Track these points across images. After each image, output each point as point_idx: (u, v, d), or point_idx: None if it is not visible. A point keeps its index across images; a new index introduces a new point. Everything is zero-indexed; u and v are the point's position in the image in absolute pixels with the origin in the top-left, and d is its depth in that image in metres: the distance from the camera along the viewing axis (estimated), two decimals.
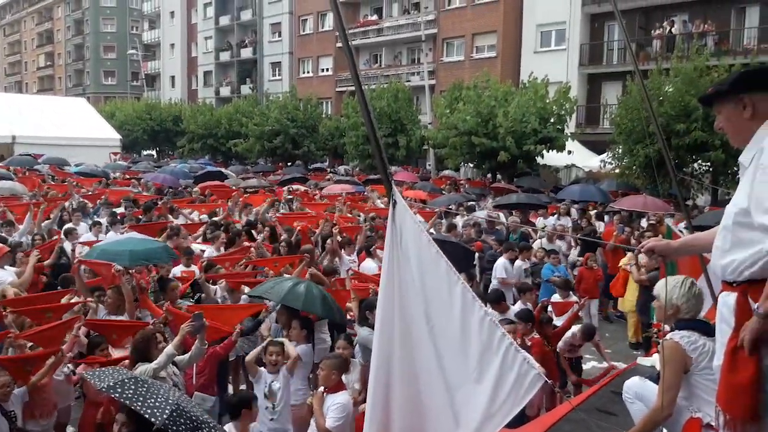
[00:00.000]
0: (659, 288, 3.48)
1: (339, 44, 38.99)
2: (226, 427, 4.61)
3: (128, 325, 6.32)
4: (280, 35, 46.35)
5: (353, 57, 3.73)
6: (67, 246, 9.97)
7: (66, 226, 11.23)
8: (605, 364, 7.57)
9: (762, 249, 2.32)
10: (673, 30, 25.97)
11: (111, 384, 3.52)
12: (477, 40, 33.04)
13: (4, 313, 6.22)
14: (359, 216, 13.59)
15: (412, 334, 3.41)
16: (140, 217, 12.46)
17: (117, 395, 3.47)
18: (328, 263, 9.18)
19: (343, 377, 5.54)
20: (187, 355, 5.49)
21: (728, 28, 24.86)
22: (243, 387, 7.03)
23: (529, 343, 6.40)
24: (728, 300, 2.55)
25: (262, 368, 5.54)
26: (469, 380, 3.30)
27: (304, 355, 6.05)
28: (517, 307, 7.64)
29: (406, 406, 3.46)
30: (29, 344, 5.66)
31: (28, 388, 5.23)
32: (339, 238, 9.84)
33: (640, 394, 3.40)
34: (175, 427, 3.33)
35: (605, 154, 20.55)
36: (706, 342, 3.08)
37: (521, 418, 4.84)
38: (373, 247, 9.78)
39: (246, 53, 49.80)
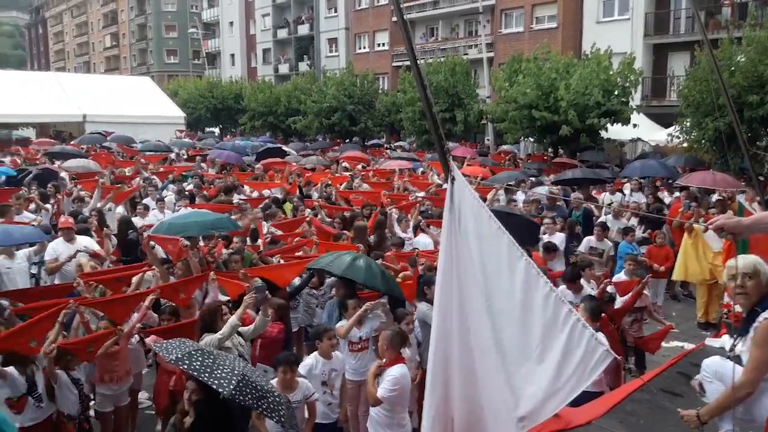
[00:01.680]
0: (731, 267, 3.36)
1: (395, 18, 38.63)
2: (310, 357, 4.80)
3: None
4: (336, 11, 46.27)
5: (409, 32, 3.72)
6: (138, 222, 10.36)
7: (141, 203, 11.71)
8: (671, 344, 7.41)
9: None
10: None
11: (179, 356, 3.66)
12: (537, 10, 32.11)
13: (75, 283, 6.54)
14: (416, 192, 13.56)
15: (471, 310, 3.42)
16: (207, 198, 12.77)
17: (185, 367, 3.61)
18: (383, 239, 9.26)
19: (406, 350, 5.62)
20: (251, 326, 5.67)
21: None
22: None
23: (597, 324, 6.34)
24: None
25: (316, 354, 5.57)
26: (532, 356, 3.29)
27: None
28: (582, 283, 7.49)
29: (465, 380, 3.48)
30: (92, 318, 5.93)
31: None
32: (395, 214, 9.91)
33: (721, 373, 3.32)
34: (241, 397, 3.46)
35: (672, 128, 19.75)
36: None
37: (585, 396, 4.80)
38: (423, 222, 9.76)
39: (303, 30, 50.01)
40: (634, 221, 11.37)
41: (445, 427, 3.53)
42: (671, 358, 5.36)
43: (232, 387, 3.42)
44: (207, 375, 3.51)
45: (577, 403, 4.14)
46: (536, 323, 3.27)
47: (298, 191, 13.22)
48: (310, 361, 5.42)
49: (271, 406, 3.52)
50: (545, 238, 9.75)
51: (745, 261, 3.35)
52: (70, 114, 31.42)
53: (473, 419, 3.52)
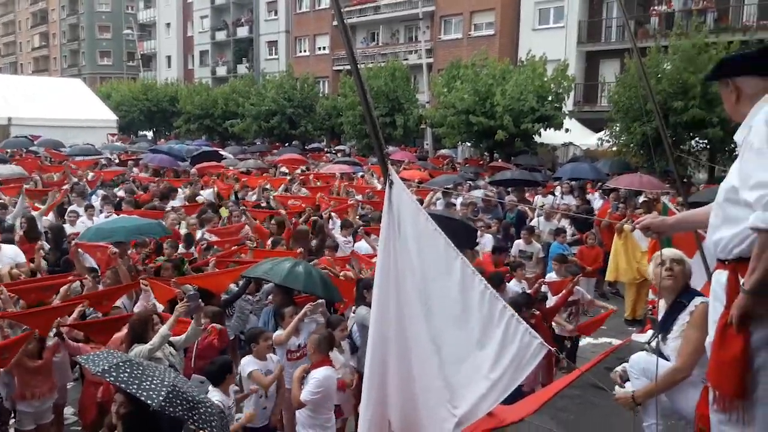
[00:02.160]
0: (657, 256, 3.53)
1: (336, 22, 38.65)
2: (209, 393, 4.69)
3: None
4: (276, 14, 45.92)
5: (349, 37, 3.70)
6: (68, 229, 9.93)
7: (69, 210, 11.21)
8: (599, 340, 7.68)
9: (747, 226, 2.32)
10: (671, 7, 25.73)
11: (106, 368, 3.52)
12: (475, 17, 32.74)
13: None
14: (356, 196, 13.57)
15: (410, 313, 3.44)
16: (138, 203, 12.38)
17: (112, 379, 3.49)
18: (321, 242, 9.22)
19: (339, 356, 5.60)
20: (183, 336, 5.51)
21: (728, 5, 24.63)
22: None
23: (532, 321, 6.52)
24: (720, 278, 2.58)
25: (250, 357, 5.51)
26: (470, 354, 3.34)
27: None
28: (513, 284, 7.68)
29: (402, 383, 3.50)
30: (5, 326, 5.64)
31: (7, 370, 5.27)
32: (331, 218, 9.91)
33: (647, 369, 3.42)
34: (171, 408, 3.35)
35: (603, 132, 20.50)
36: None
37: (517, 394, 4.89)
38: (361, 229, 9.78)
39: (242, 32, 49.39)
40: (565, 223, 11.70)
41: (381, 430, 3.53)
42: (599, 354, 5.53)
43: (161, 398, 3.31)
44: (135, 387, 3.39)
45: (511, 400, 4.23)
46: (473, 321, 3.33)
47: (233, 196, 12.99)
48: (247, 360, 5.36)
49: (203, 417, 3.43)
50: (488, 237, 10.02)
51: (672, 250, 3.53)
52: None
53: (410, 421, 3.54)
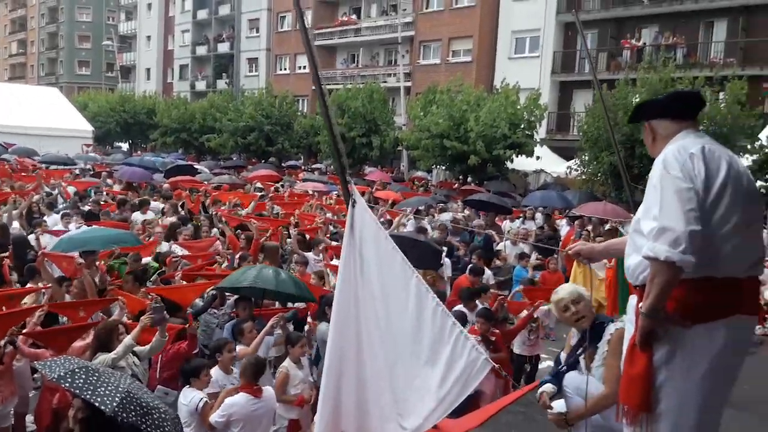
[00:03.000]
0: (558, 301, 3.80)
1: (317, 42, 39.08)
2: (183, 392, 4.81)
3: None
4: (258, 31, 46.23)
5: (315, 59, 3.94)
6: (32, 239, 9.89)
7: (36, 220, 11.18)
8: (546, 364, 7.93)
9: (641, 255, 2.58)
10: (641, 42, 26.55)
11: (62, 374, 3.61)
12: (453, 44, 33.38)
13: None
14: (328, 215, 13.73)
15: (366, 329, 3.62)
16: (110, 212, 12.41)
17: (67, 385, 3.58)
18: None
19: (298, 372, 5.75)
20: (147, 347, 5.62)
21: (696, 41, 25.53)
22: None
23: (492, 338, 6.77)
24: (632, 302, 2.84)
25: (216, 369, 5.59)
26: (421, 370, 3.53)
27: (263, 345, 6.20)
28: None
29: (357, 395, 3.66)
30: None
31: None
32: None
33: (580, 388, 3.63)
34: (124, 414, 3.46)
35: (572, 161, 21.01)
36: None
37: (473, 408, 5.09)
38: (320, 245, 9.94)
39: (223, 48, 49.57)
40: (527, 249, 12.02)
41: None
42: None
43: (115, 404, 3.42)
44: (90, 393, 3.49)
45: (461, 414, 4.41)
46: (425, 338, 3.53)
47: (201, 210, 13.04)
48: (214, 375, 5.44)
49: (156, 422, 3.55)
50: None
51: (568, 290, 3.77)
52: None
53: (363, 430, 3.70)
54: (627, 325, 2.90)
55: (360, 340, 3.61)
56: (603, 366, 3.60)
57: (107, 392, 3.44)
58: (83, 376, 3.53)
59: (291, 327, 7.14)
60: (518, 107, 21.63)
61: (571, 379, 3.70)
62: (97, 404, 3.36)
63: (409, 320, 3.58)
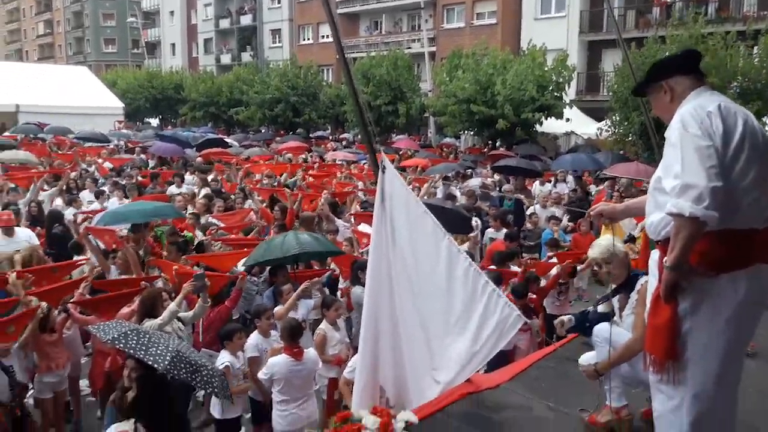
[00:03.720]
0: (592, 259, 3.90)
1: (339, 10, 38.81)
2: (252, 335, 5.18)
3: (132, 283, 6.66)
4: (279, 2, 46.02)
5: (337, 31, 4.03)
6: (69, 214, 10.23)
7: (79, 195, 11.58)
8: None
9: (665, 212, 2.67)
10: None
11: (115, 336, 3.87)
12: (477, 6, 32.83)
13: (7, 274, 6.51)
14: (358, 183, 13.89)
15: (399, 290, 3.79)
16: (141, 187, 12.73)
17: (121, 346, 3.83)
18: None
19: (335, 333, 5.97)
20: (191, 312, 5.89)
21: None
22: None
23: (531, 305, 7.05)
24: (654, 256, 2.94)
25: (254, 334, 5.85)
26: (455, 325, 3.70)
27: (303, 307, 6.45)
28: None
29: (392, 353, 3.85)
30: (35, 300, 5.96)
31: (20, 345, 5.61)
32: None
33: (608, 338, 3.76)
34: (175, 371, 3.72)
35: (603, 122, 20.71)
36: None
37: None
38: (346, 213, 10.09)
39: (246, 20, 49.50)
40: (559, 211, 12.03)
41: (374, 395, 3.89)
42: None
43: (166, 362, 3.66)
44: (143, 352, 3.74)
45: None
46: (459, 294, 3.70)
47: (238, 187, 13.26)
48: (253, 339, 5.71)
49: (205, 378, 3.80)
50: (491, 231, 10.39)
51: (600, 249, 3.87)
52: (2, 104, 30.26)
53: (400, 387, 3.90)
54: (650, 278, 3.00)
55: (393, 301, 3.79)
56: (632, 314, 3.73)
57: (158, 352, 3.67)
58: (135, 338, 3.78)
59: (327, 291, 7.39)
60: (546, 69, 21.30)
61: (600, 329, 3.82)
62: (150, 362, 3.60)
63: (441, 280, 3.74)
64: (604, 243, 3.90)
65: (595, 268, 3.96)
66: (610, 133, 19.78)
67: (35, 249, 7.51)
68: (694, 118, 2.64)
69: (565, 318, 4.05)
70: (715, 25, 20.08)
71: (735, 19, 23.04)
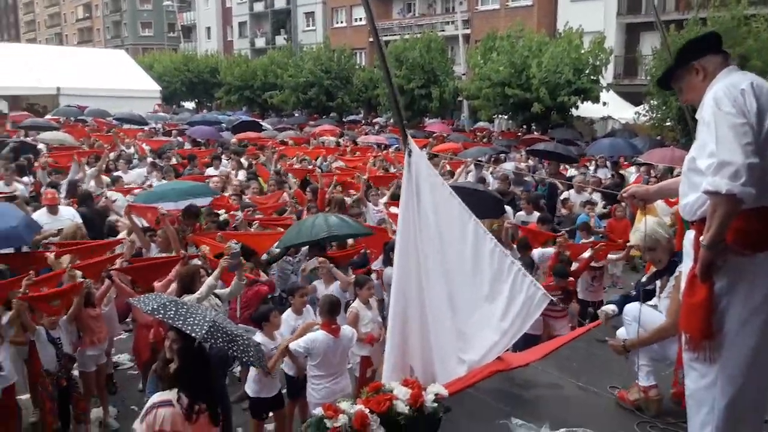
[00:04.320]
0: (656, 235, 3.89)
1: None
2: (255, 337, 5.20)
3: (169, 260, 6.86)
4: None
5: (374, 22, 4.08)
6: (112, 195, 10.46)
7: (113, 174, 11.87)
8: None
9: (701, 191, 2.67)
10: None
11: (155, 306, 4.01)
12: None
13: (47, 253, 6.71)
14: (392, 168, 13.94)
15: (426, 269, 3.86)
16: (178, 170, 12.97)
17: (160, 316, 3.97)
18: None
19: (367, 312, 6.08)
20: (228, 289, 6.04)
21: None
22: None
23: (571, 288, 7.09)
24: (689, 236, 2.95)
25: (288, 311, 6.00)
26: (482, 306, 3.77)
27: (335, 292, 6.55)
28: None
29: (420, 332, 3.93)
30: (80, 274, 6.16)
31: (69, 318, 5.83)
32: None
33: (637, 317, 3.80)
34: (213, 340, 3.85)
35: (641, 106, 20.33)
36: None
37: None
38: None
39: (280, 3, 49.69)
40: (596, 196, 11.91)
41: (404, 372, 3.98)
42: None
43: (204, 331, 3.78)
44: (181, 322, 3.87)
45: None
46: (485, 275, 3.76)
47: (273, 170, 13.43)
48: (285, 316, 5.86)
49: (241, 348, 3.94)
50: (522, 215, 10.35)
51: (641, 235, 3.87)
52: (44, 87, 31.01)
53: (428, 365, 3.98)
54: (684, 258, 3.01)
55: (420, 282, 3.86)
56: (668, 298, 3.74)
57: (196, 321, 3.80)
58: (173, 308, 3.91)
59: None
60: (582, 52, 20.96)
61: (630, 308, 3.85)
62: (188, 331, 3.73)
63: (468, 261, 3.80)
64: (646, 229, 3.86)
65: (637, 252, 3.94)
66: (647, 117, 19.42)
67: (79, 226, 7.75)
68: (728, 97, 2.64)
69: (608, 309, 4.05)
70: (759, 6, 19.45)
71: None
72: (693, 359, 2.86)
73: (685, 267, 2.97)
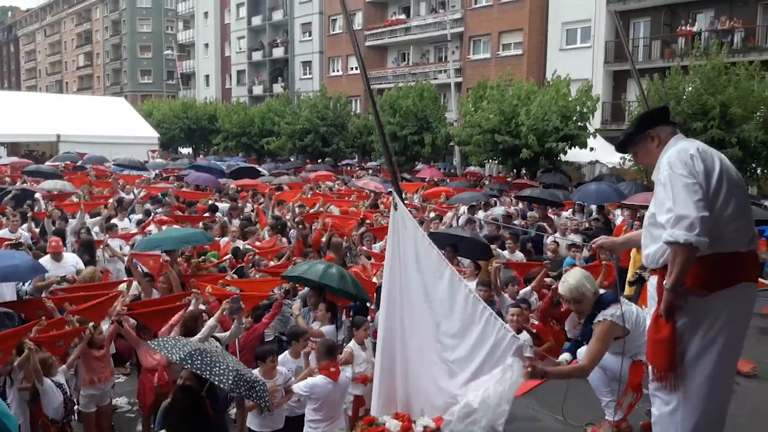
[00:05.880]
0: (582, 288, 4.17)
1: (368, 43, 39.81)
2: (281, 356, 5.46)
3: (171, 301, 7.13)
4: (310, 35, 47.35)
5: (364, 69, 4.51)
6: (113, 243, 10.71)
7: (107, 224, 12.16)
8: None
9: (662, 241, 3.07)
10: (695, 28, 26.04)
11: (183, 356, 4.25)
12: (503, 38, 33.46)
13: (47, 297, 6.96)
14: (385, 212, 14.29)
15: (411, 311, 4.28)
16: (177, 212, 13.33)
17: (189, 365, 4.21)
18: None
19: (361, 352, 6.35)
20: (227, 333, 6.33)
21: (755, 24, 24.87)
22: None
23: (534, 330, 7.22)
24: (653, 281, 3.37)
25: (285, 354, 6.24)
26: (456, 344, 4.10)
27: (328, 335, 6.83)
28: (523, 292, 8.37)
29: (406, 366, 4.28)
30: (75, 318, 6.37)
31: (69, 365, 6.04)
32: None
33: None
34: (237, 390, 4.13)
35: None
36: (634, 309, 3.86)
37: None
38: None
39: (278, 52, 50.96)
40: (578, 239, 12.27)
41: (391, 402, 4.29)
42: None
43: (230, 382, 4.06)
44: (209, 373, 4.11)
45: None
46: (458, 319, 4.10)
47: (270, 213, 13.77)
48: (282, 358, 6.11)
49: (259, 393, 4.21)
50: (506, 254, 10.70)
51: (569, 287, 4.09)
52: (44, 134, 31.52)
53: (411, 393, 4.30)
54: (649, 301, 3.40)
55: (403, 323, 4.31)
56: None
57: (221, 371, 4.07)
58: (200, 358, 4.17)
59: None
60: (569, 99, 21.64)
61: (581, 350, 4.18)
62: (216, 382, 3.99)
63: (445, 305, 4.20)
64: (573, 282, 4.06)
65: (566, 304, 4.25)
66: (633, 162, 19.93)
67: (96, 271, 8.08)
68: (680, 160, 3.08)
69: (564, 358, 4.33)
70: (742, 54, 20.25)
71: (762, 48, 23.18)
72: (657, 389, 3.21)
73: (650, 308, 3.34)
